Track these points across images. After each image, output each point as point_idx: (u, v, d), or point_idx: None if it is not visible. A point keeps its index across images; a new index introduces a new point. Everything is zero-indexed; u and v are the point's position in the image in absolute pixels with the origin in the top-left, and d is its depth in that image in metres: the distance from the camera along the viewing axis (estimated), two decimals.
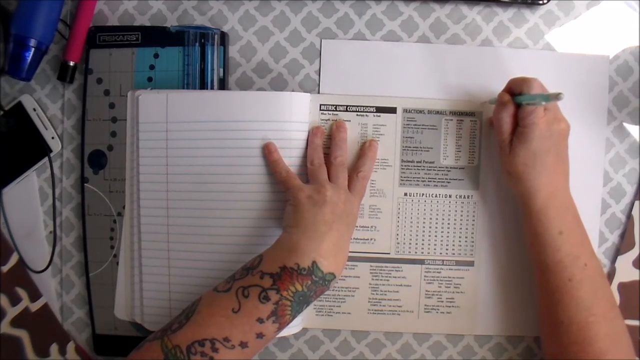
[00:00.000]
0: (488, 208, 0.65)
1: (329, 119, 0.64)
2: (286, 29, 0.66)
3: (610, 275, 0.65)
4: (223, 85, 0.65)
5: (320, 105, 0.64)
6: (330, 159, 0.61)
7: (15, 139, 0.67)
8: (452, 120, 0.64)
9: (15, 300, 0.67)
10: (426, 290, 0.65)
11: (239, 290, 0.52)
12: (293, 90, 0.66)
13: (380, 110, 0.64)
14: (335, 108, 0.64)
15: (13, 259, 0.67)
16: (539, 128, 0.55)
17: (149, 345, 0.51)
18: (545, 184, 0.57)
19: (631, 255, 0.65)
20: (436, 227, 0.65)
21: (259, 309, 0.51)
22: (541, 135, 0.55)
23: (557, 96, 0.51)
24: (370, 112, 0.64)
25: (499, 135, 0.59)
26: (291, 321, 0.53)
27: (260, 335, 0.51)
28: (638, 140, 0.65)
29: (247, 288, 0.52)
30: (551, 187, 0.57)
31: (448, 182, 0.65)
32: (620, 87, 0.65)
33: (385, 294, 0.65)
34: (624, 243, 0.65)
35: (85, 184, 0.66)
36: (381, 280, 0.65)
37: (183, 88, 0.64)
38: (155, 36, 0.64)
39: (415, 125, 0.64)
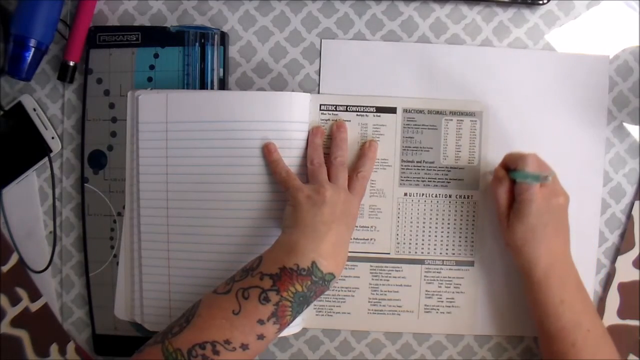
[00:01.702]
0: (488, 208, 0.64)
1: (329, 119, 0.64)
2: (286, 29, 0.66)
3: (610, 275, 0.65)
4: (223, 85, 0.65)
5: (320, 105, 0.64)
6: (330, 159, 0.61)
7: (15, 139, 0.67)
8: (452, 120, 0.64)
9: (15, 300, 0.67)
10: (426, 290, 0.65)
11: (239, 292, 0.52)
12: (293, 90, 0.66)
13: (380, 110, 0.64)
14: (335, 108, 0.64)
15: (13, 259, 0.67)
16: (535, 204, 0.56)
17: (150, 350, 0.51)
18: (545, 256, 0.57)
19: (631, 255, 0.65)
20: (436, 227, 0.65)
21: (260, 310, 0.51)
22: (538, 211, 0.56)
23: (545, 177, 0.54)
24: (370, 112, 0.64)
25: (497, 209, 0.60)
26: (292, 322, 0.53)
27: (261, 337, 0.51)
28: (638, 140, 0.65)
29: (247, 289, 0.52)
30: (550, 258, 0.57)
31: (448, 182, 0.65)
32: (620, 87, 0.65)
33: (385, 294, 0.65)
34: (624, 243, 0.65)
35: (85, 184, 0.66)
36: (381, 280, 0.65)
37: (183, 88, 0.64)
38: (155, 36, 0.64)
39: (415, 125, 0.64)
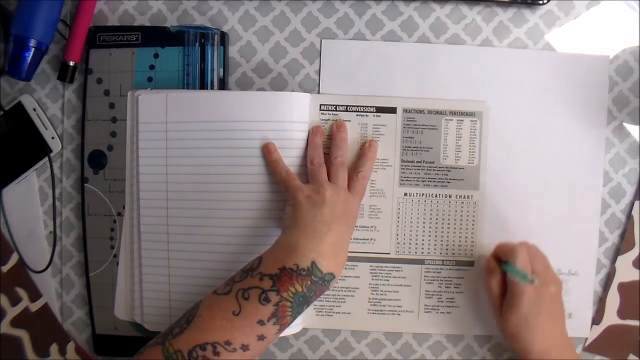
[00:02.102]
0: (488, 208, 0.64)
1: (329, 119, 0.64)
2: (286, 29, 0.66)
3: (610, 275, 0.65)
4: (223, 85, 0.65)
5: (320, 105, 0.64)
6: (330, 159, 0.61)
7: (15, 139, 0.67)
8: (452, 120, 0.64)
9: (15, 300, 0.67)
10: (426, 290, 0.65)
11: (239, 293, 0.52)
12: (293, 90, 0.65)
13: (380, 110, 0.64)
14: (335, 108, 0.64)
15: (13, 259, 0.67)
16: (526, 296, 0.56)
17: (150, 351, 0.50)
18: (539, 341, 0.57)
19: (631, 255, 0.65)
20: (436, 227, 0.65)
21: (260, 310, 0.51)
22: (529, 302, 0.56)
23: (532, 281, 0.55)
24: (370, 112, 0.64)
25: (490, 297, 0.60)
26: (292, 322, 0.53)
27: (261, 337, 0.51)
28: (638, 140, 0.65)
29: (247, 290, 0.52)
30: (546, 342, 0.57)
31: (448, 182, 0.65)
32: (620, 87, 0.65)
33: (385, 294, 0.65)
34: (624, 243, 0.65)
35: (85, 184, 0.66)
36: (381, 280, 0.65)
37: (183, 88, 0.64)
38: (155, 36, 0.64)
39: (415, 125, 0.64)
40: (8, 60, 0.63)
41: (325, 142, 0.64)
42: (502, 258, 0.59)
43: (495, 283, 0.59)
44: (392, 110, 0.64)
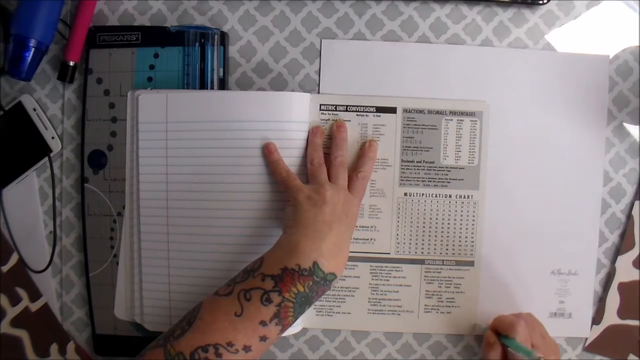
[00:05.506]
0: (488, 208, 0.65)
1: (329, 119, 0.64)
2: (286, 29, 0.66)
3: (610, 275, 0.65)
4: (223, 85, 0.65)
5: (320, 105, 0.64)
6: (331, 159, 0.61)
7: (15, 139, 0.67)
8: (452, 120, 0.64)
9: (15, 300, 0.67)
10: (426, 290, 0.65)
11: (240, 294, 0.52)
12: (293, 90, 0.65)
13: (380, 110, 0.64)
14: (335, 108, 0.64)
15: (13, 259, 0.67)
16: None
17: (152, 353, 0.50)
18: None
19: (631, 255, 0.65)
20: (436, 227, 0.65)
21: (262, 311, 0.51)
22: None
23: (538, 359, 0.54)
24: (370, 112, 0.64)
25: None
26: (294, 322, 0.53)
27: (263, 338, 0.51)
28: (638, 140, 0.65)
29: (248, 291, 0.52)
30: None
31: (448, 182, 0.65)
32: (620, 87, 0.65)
33: (385, 294, 0.65)
34: (624, 243, 0.65)
35: (85, 184, 0.66)
36: (381, 280, 0.65)
37: (183, 88, 0.64)
38: (155, 36, 0.64)
39: (415, 125, 0.64)
40: (8, 60, 0.63)
41: (325, 142, 0.64)
42: (501, 332, 0.59)
43: (496, 356, 0.59)
44: (392, 110, 0.64)
